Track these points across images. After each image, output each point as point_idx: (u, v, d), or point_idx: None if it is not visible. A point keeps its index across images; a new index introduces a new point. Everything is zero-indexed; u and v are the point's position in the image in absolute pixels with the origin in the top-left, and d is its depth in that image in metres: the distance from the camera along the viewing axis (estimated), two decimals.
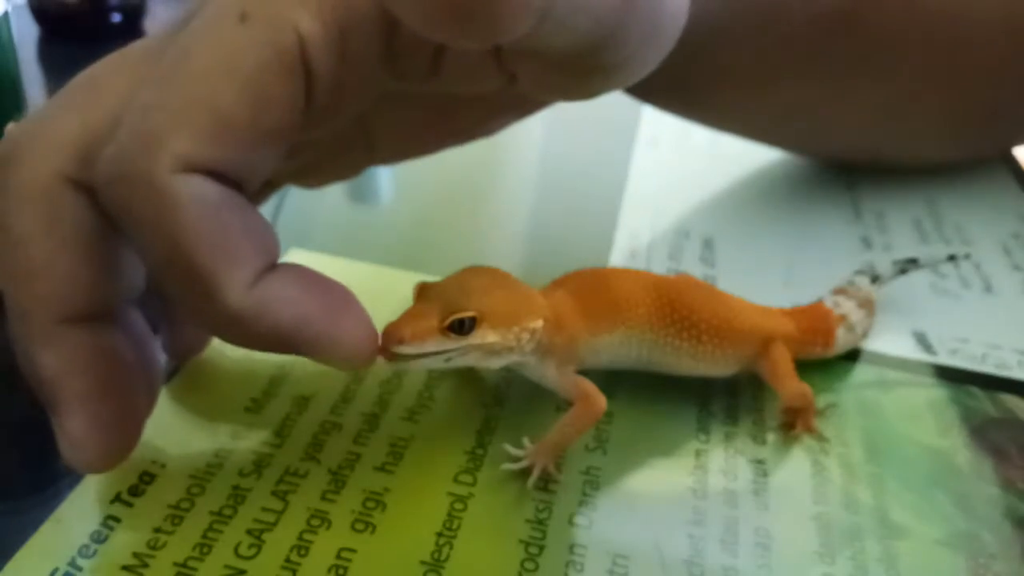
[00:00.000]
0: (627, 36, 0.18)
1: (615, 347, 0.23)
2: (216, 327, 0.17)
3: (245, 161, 0.17)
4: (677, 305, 0.23)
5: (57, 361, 0.18)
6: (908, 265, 0.30)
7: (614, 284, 0.23)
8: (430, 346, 0.19)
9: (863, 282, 0.28)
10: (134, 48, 0.19)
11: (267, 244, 0.17)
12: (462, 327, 0.20)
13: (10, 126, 0.19)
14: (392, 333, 0.19)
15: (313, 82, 0.17)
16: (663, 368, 0.24)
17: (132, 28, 0.56)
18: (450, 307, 0.20)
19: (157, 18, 0.59)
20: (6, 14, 0.27)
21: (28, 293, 0.18)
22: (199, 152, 0.16)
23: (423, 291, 0.21)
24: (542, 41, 0.16)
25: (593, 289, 0.23)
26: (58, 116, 0.19)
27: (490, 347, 0.20)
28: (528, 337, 0.21)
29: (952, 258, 0.30)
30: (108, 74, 0.19)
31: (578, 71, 0.19)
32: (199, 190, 0.16)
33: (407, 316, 0.20)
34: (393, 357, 0.19)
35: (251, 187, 0.18)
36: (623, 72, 0.20)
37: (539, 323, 0.21)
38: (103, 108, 0.18)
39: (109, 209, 0.17)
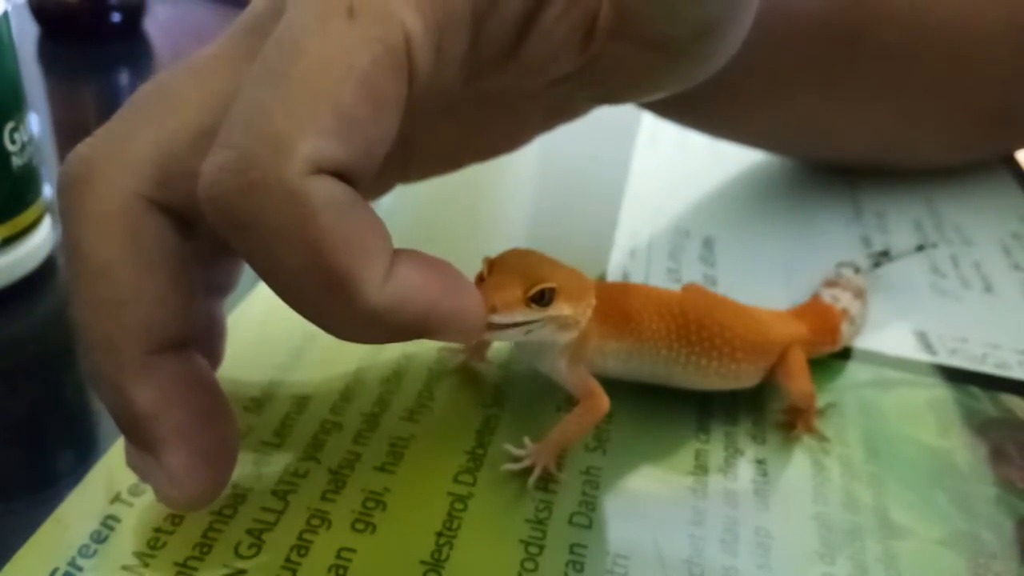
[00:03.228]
0: (734, 25, 0.18)
1: (623, 357, 0.23)
2: (354, 328, 0.16)
3: (365, 162, 0.16)
4: (707, 322, 0.23)
5: (154, 394, 0.17)
6: (881, 258, 0.31)
7: (631, 297, 0.23)
8: (517, 316, 0.20)
9: (849, 273, 0.29)
10: (200, 56, 0.18)
11: (388, 236, 0.16)
12: (542, 298, 0.20)
13: (78, 146, 0.18)
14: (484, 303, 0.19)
15: (413, 82, 0.16)
16: (684, 385, 0.24)
17: (132, 28, 0.56)
18: (531, 279, 0.20)
19: (157, 18, 0.59)
20: (6, 14, 0.27)
21: (116, 323, 0.17)
22: (328, 153, 0.15)
23: (494, 265, 0.20)
24: (665, 19, 0.16)
25: (610, 297, 0.23)
26: (132, 132, 0.17)
27: (564, 320, 0.20)
28: (590, 313, 0.21)
29: (920, 248, 0.32)
30: (180, 84, 0.18)
31: (671, 55, 0.19)
32: (330, 192, 0.15)
33: (491, 287, 0.19)
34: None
35: (362, 188, 0.16)
36: (709, 62, 0.20)
37: (594, 300, 0.21)
38: (180, 122, 0.17)
39: (223, 222, 0.15)
